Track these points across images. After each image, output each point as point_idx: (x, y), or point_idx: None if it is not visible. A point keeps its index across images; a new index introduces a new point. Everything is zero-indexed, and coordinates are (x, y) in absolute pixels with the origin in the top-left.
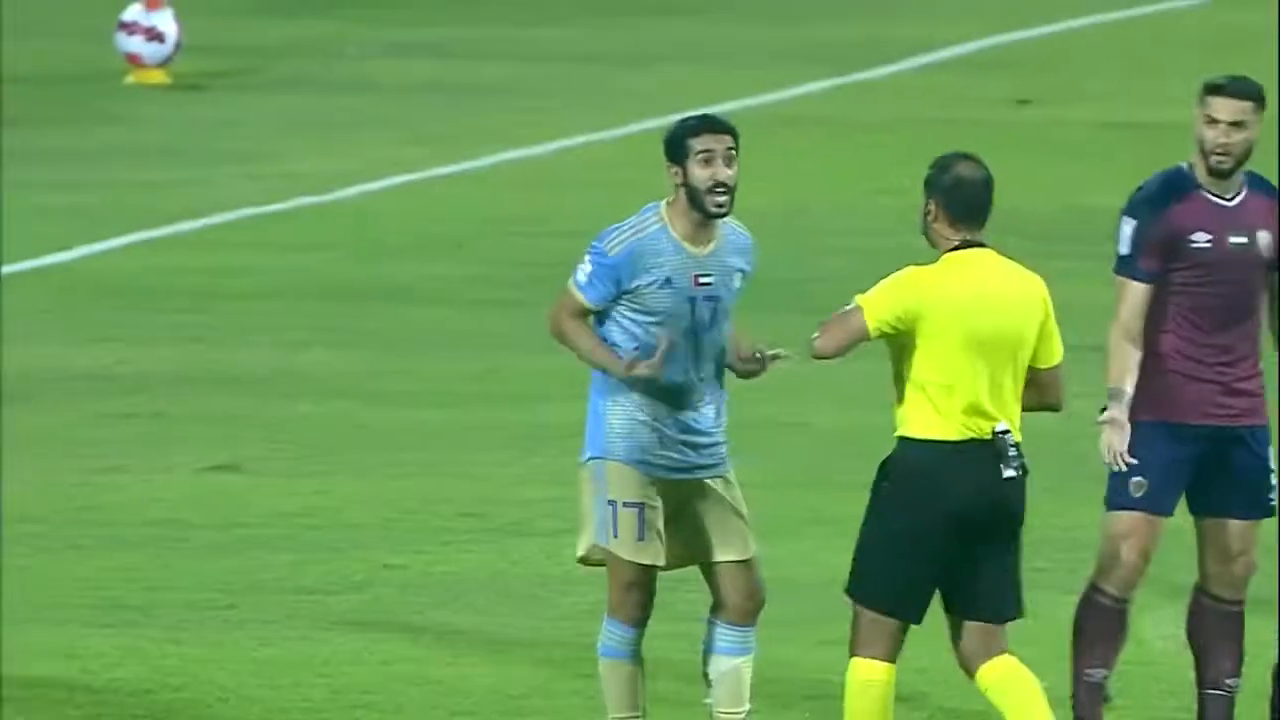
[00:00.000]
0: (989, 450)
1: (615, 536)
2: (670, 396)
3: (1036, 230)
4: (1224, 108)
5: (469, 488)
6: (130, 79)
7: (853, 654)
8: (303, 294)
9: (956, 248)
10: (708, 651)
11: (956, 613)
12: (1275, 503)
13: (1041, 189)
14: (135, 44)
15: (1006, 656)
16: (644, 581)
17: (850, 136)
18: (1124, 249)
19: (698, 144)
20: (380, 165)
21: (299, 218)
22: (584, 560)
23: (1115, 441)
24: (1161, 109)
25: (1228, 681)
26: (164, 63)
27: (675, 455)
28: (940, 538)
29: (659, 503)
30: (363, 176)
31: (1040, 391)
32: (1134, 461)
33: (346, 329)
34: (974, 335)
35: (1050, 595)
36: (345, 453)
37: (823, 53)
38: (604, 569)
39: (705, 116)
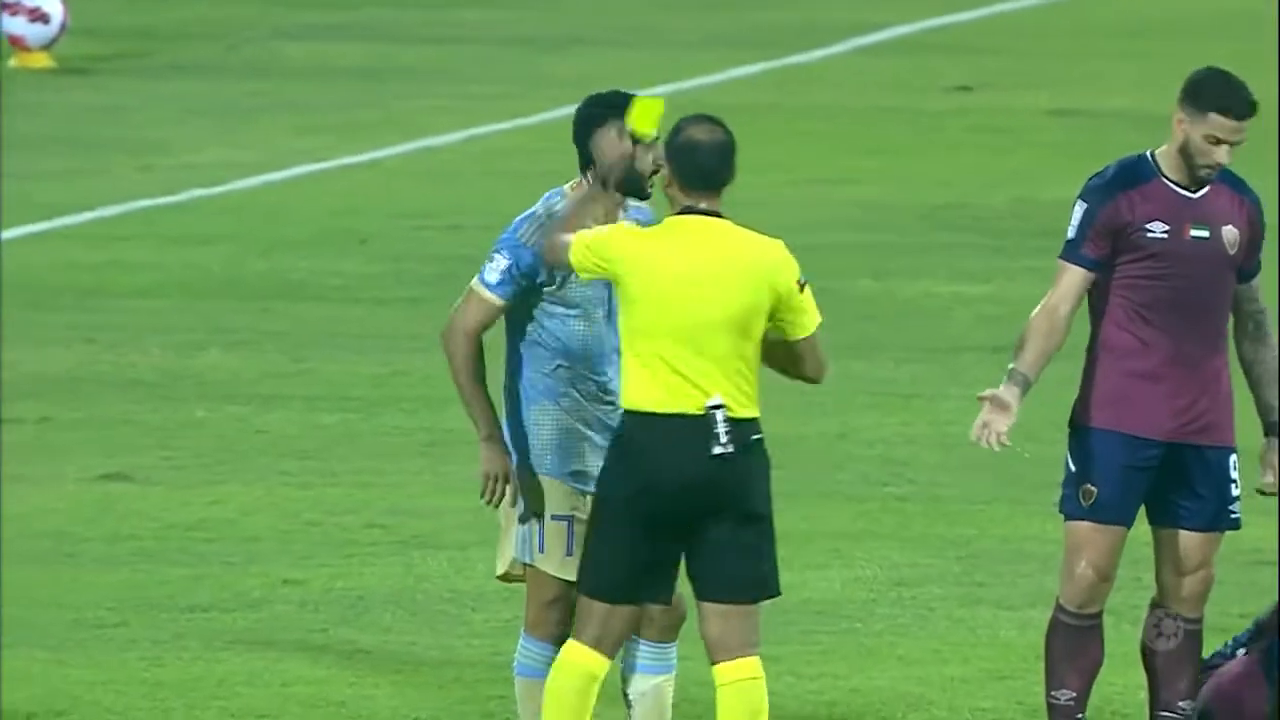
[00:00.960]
0: (699, 426)
1: (541, 552)
2: (596, 397)
3: (988, 226)
4: (1230, 130)
5: (374, 497)
6: (12, 62)
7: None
8: (198, 292)
9: (681, 213)
10: (627, 671)
11: (696, 595)
12: (1238, 515)
13: (991, 182)
14: (18, 25)
15: (748, 663)
16: (567, 597)
17: (782, 124)
18: (1071, 233)
19: (617, 122)
20: (281, 155)
21: (194, 211)
22: (504, 577)
23: (993, 420)
24: (1114, 95)
25: (1181, 704)
26: (49, 45)
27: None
28: (644, 517)
29: (586, 515)
30: (262, 167)
31: (794, 362)
32: (1076, 468)
33: (244, 329)
34: (679, 303)
35: (989, 611)
36: (242, 460)
37: (753, 35)
38: (521, 584)
39: (624, 94)
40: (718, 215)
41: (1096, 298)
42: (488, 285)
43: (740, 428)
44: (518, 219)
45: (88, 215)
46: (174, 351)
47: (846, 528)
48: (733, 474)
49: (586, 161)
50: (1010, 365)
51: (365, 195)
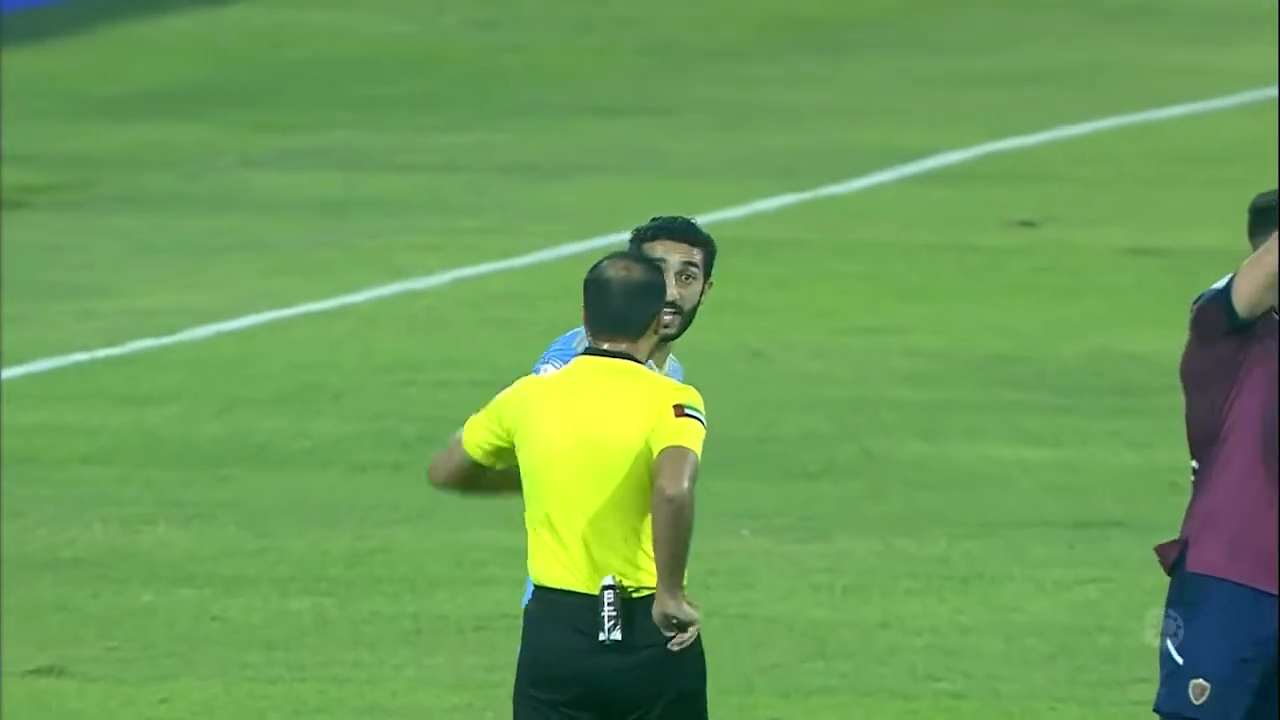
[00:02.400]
0: (590, 606)
1: None
2: None
3: (1056, 382)
4: None
5: (350, 695)
6: None
7: None
8: (145, 458)
9: (583, 353)
10: None
11: None
12: None
13: (1059, 331)
14: None
15: None
16: None
17: (815, 264)
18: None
19: (649, 251)
20: (241, 300)
21: (140, 364)
22: None
23: None
24: (1201, 230)
25: None
26: None
27: None
28: (541, 714)
29: None
30: (220, 314)
31: (655, 473)
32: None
33: (198, 501)
34: (565, 462)
35: None
36: (196, 652)
37: (778, 162)
38: None
39: (670, 220)
40: (626, 358)
41: None
42: None
43: (645, 611)
44: (567, 335)
45: (18, 370)
46: (117, 527)
47: None
48: (627, 670)
49: None
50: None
51: (338, 345)
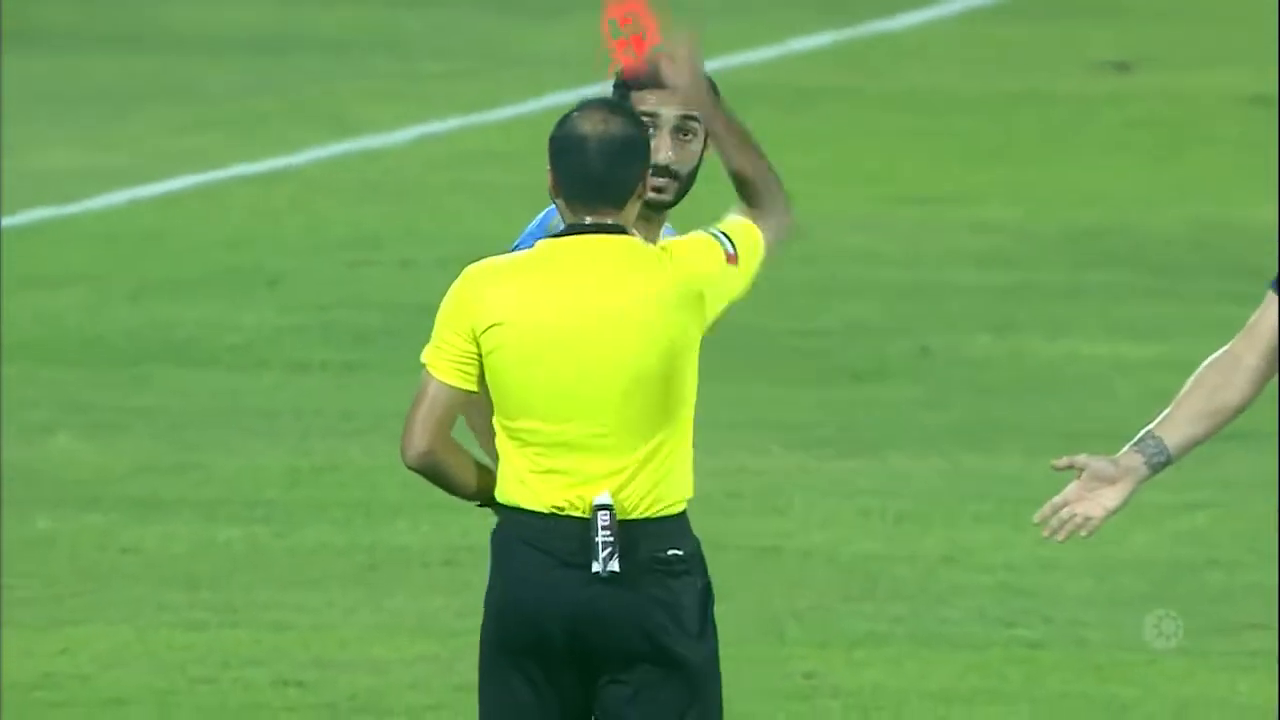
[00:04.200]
0: (579, 532)
1: None
2: None
3: (1156, 260)
4: None
5: (290, 644)
6: None
7: None
8: (43, 353)
9: (562, 233)
10: None
11: None
12: None
13: (1159, 198)
14: None
15: None
16: None
17: (864, 118)
18: None
19: (637, 103)
20: (158, 160)
21: (39, 238)
22: None
23: (1085, 496)
24: None
25: None
26: None
27: None
28: (518, 661)
29: None
30: (132, 177)
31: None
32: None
33: (107, 405)
34: (553, 364)
35: None
36: (105, 591)
37: None
38: None
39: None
40: (617, 230)
41: None
42: None
43: (644, 536)
44: (540, 218)
45: None
46: (11, 437)
47: (954, 685)
48: (627, 605)
49: None
50: (1147, 425)
51: (276, 217)
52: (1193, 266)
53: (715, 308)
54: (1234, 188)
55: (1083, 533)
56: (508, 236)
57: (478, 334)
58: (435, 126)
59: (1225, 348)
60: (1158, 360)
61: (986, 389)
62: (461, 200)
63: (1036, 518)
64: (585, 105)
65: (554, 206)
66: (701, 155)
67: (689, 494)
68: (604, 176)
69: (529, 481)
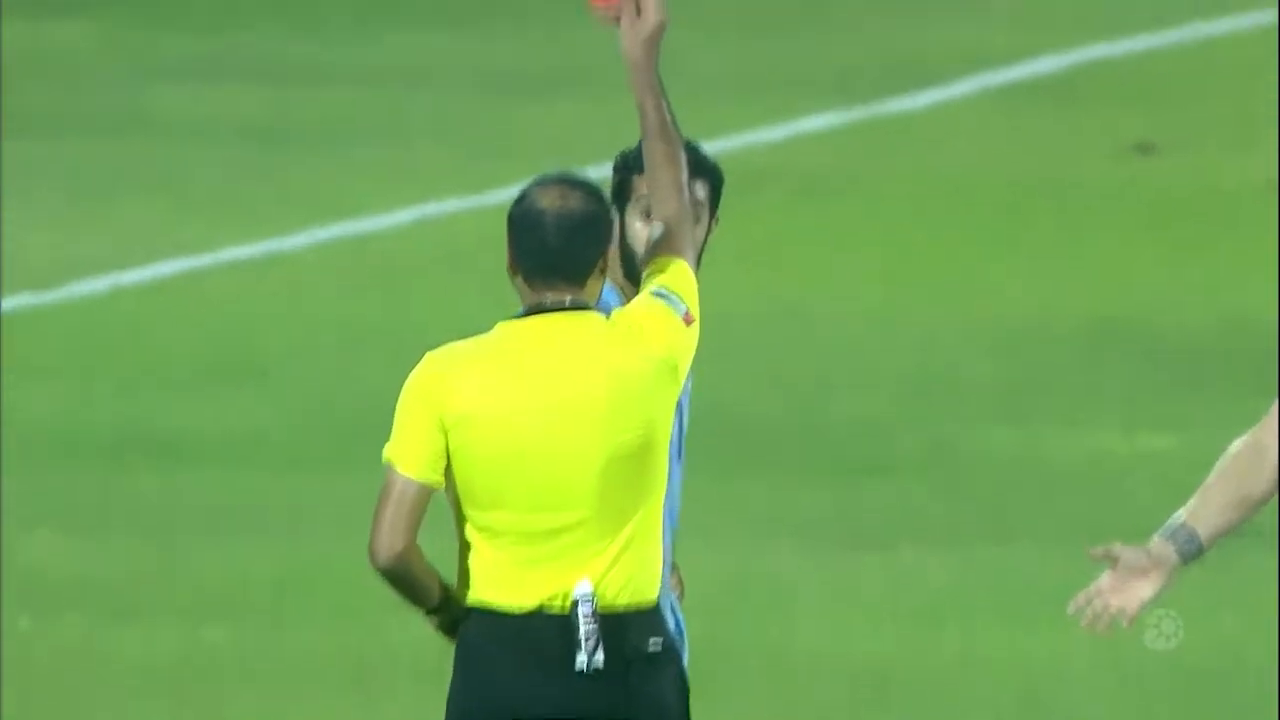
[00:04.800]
0: (560, 628)
1: None
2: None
3: (1181, 352)
4: None
5: None
6: None
7: None
8: (23, 448)
9: (524, 314)
10: None
11: None
12: None
13: (1184, 288)
14: None
15: None
16: None
17: (873, 203)
18: None
19: (640, 188)
20: (143, 247)
21: (17, 328)
22: None
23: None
24: None
25: None
26: None
27: None
28: None
29: None
30: (115, 264)
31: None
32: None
33: (89, 504)
34: (527, 446)
35: None
36: (83, 696)
37: (830, 71)
38: None
39: None
40: (578, 308)
41: None
42: None
43: (626, 628)
44: None
45: None
46: None
47: None
48: (612, 702)
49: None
50: (1176, 515)
51: (266, 305)
52: (1215, 359)
53: (684, 375)
54: (1259, 278)
55: (1123, 622)
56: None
57: (445, 425)
58: (430, 211)
59: (1250, 435)
60: (1177, 454)
61: (1001, 483)
62: (458, 287)
63: (1071, 608)
64: (543, 180)
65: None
66: (706, 237)
67: (659, 583)
68: (561, 252)
69: (502, 578)
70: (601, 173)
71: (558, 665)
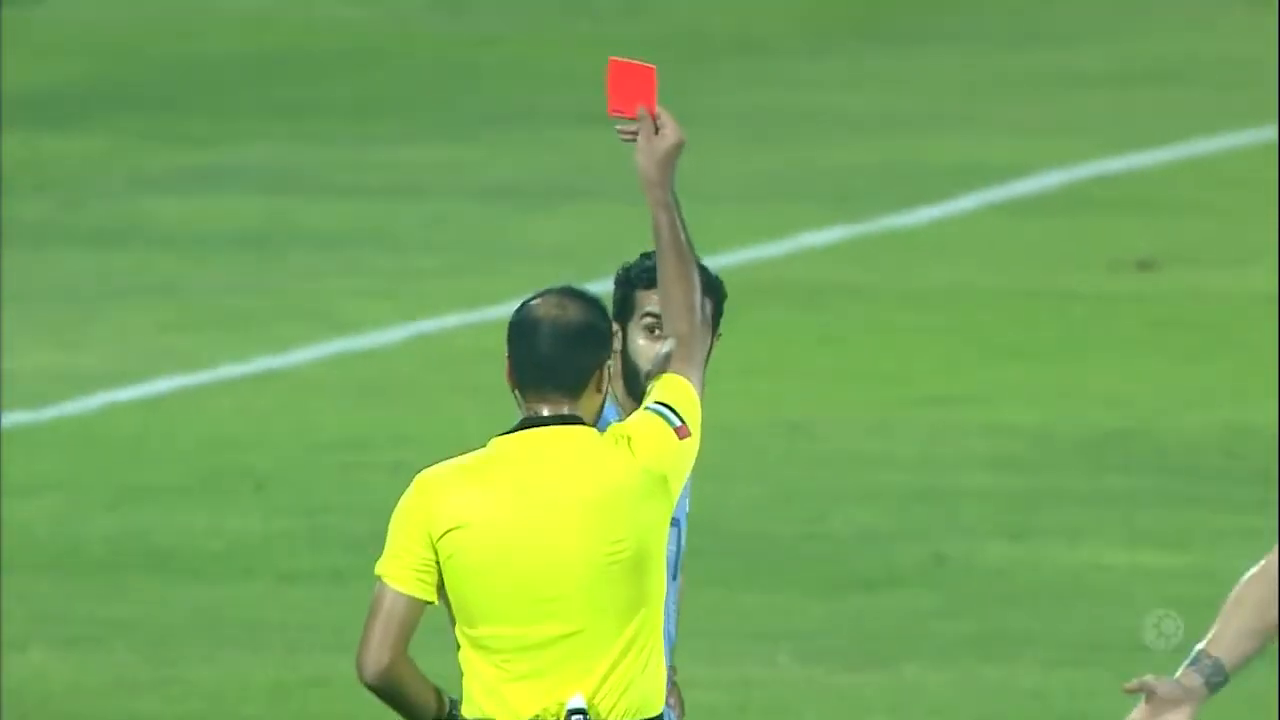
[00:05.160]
0: None
1: None
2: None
3: (1182, 465)
4: None
5: None
6: None
7: None
8: (14, 565)
9: (516, 427)
10: None
11: None
12: None
13: (1185, 400)
14: None
15: None
16: None
17: (873, 315)
18: None
19: (646, 302)
20: (138, 361)
21: (10, 443)
22: None
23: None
24: None
25: None
26: None
27: None
28: None
29: None
30: (110, 379)
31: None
32: None
33: (83, 618)
34: (516, 558)
35: None
36: None
37: (832, 185)
38: None
39: None
40: (573, 421)
41: None
42: None
43: None
44: None
45: None
46: None
47: None
48: None
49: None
50: (1197, 646)
51: (262, 419)
52: (1218, 473)
53: (677, 488)
54: (1261, 391)
55: None
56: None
57: (434, 540)
58: (429, 325)
59: (1268, 558)
60: (1181, 570)
61: (1003, 598)
62: (457, 401)
63: None
64: (545, 292)
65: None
66: (709, 352)
67: (662, 701)
68: (555, 360)
69: (496, 693)
70: (603, 287)
71: None
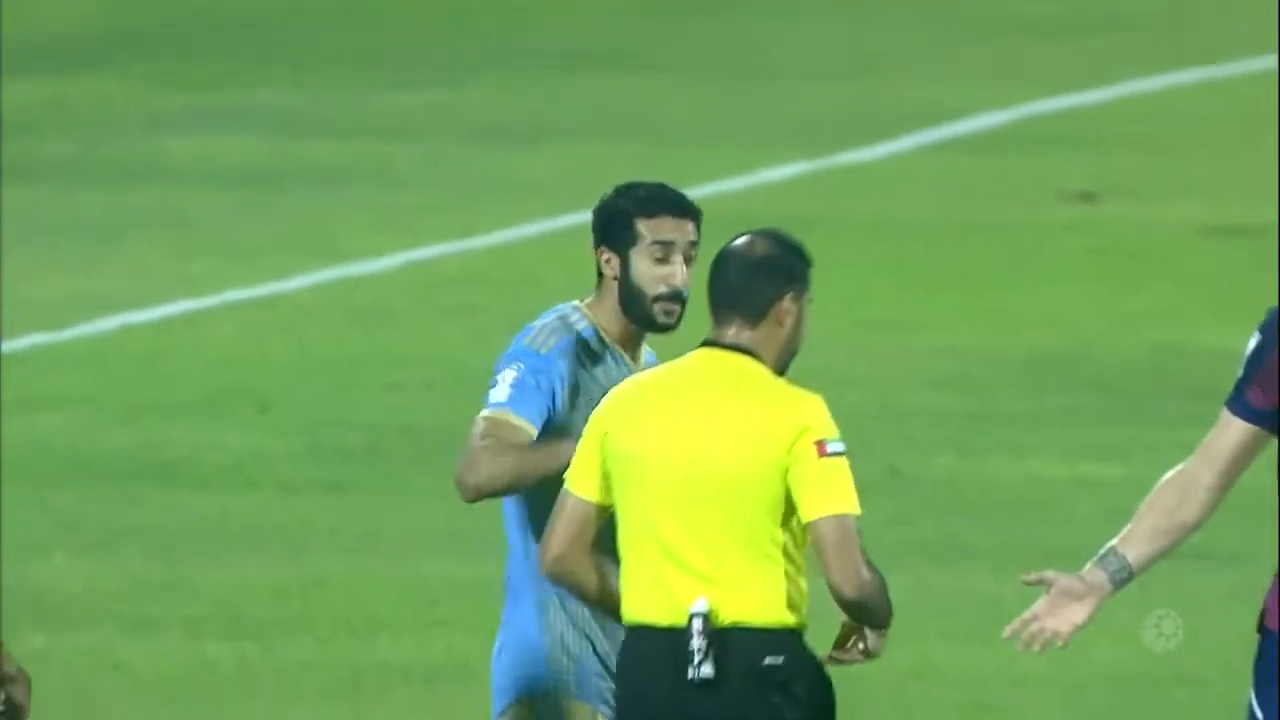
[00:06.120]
0: (678, 641)
1: None
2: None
3: (1118, 384)
4: None
5: None
6: None
7: None
8: (36, 475)
9: (701, 345)
10: None
11: None
12: None
13: (1121, 324)
14: None
15: None
16: None
17: (831, 245)
18: (1238, 372)
19: (652, 230)
20: (151, 287)
21: (33, 362)
22: None
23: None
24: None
25: None
26: None
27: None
28: None
29: None
30: (125, 303)
31: (819, 559)
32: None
33: (99, 525)
34: (651, 471)
35: None
36: (97, 707)
37: (787, 125)
38: None
39: (663, 190)
40: (746, 352)
41: None
42: (512, 405)
43: (738, 643)
44: (522, 330)
45: None
46: (7, 557)
47: None
48: (722, 709)
49: (617, 274)
50: (1108, 544)
51: (266, 342)
52: (1152, 390)
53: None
54: (1192, 314)
55: (1058, 643)
56: (489, 358)
57: (603, 444)
58: (420, 253)
59: (1181, 466)
60: (1118, 481)
61: (950, 508)
62: (445, 324)
63: (1007, 632)
64: (750, 231)
65: (559, 308)
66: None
67: (791, 620)
68: (738, 288)
69: (634, 591)
70: (581, 220)
71: (661, 677)
